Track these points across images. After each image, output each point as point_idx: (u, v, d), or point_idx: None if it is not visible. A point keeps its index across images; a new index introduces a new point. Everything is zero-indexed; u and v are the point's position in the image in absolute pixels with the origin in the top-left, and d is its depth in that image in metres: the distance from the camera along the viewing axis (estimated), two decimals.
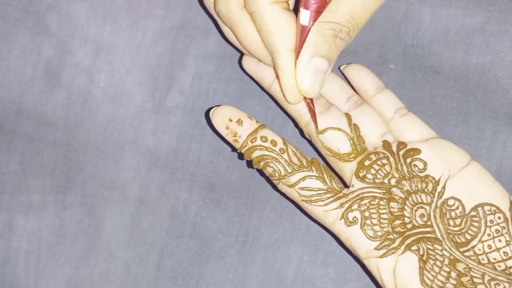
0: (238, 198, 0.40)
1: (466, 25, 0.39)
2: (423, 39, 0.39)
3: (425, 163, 0.35)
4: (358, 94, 0.38)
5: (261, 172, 0.36)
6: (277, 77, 0.34)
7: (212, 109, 0.36)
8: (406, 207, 0.34)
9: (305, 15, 0.32)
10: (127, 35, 0.40)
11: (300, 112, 0.36)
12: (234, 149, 0.36)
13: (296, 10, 0.33)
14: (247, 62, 0.38)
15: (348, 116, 0.36)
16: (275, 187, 0.36)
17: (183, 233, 0.40)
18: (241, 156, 0.36)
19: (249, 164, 0.36)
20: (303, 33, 0.32)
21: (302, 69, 0.32)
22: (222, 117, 0.36)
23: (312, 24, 0.32)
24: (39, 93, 0.40)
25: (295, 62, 0.32)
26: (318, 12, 0.32)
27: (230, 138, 0.36)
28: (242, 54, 0.38)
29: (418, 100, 0.39)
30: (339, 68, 0.38)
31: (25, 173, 0.40)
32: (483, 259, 0.34)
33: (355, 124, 0.36)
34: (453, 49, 0.39)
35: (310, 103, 0.35)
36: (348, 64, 0.38)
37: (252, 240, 0.39)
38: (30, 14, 0.40)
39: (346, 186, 0.36)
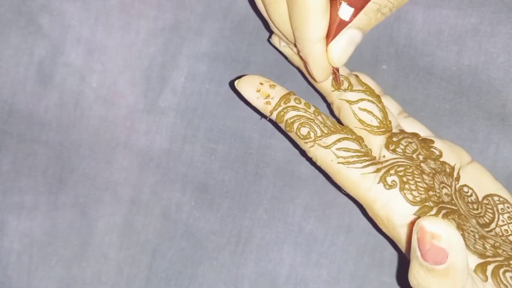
0: (231, 198, 0.40)
1: (459, 26, 0.39)
2: (415, 40, 0.39)
3: (440, 151, 0.36)
4: None
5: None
6: (303, 60, 0.34)
7: (239, 79, 0.36)
8: (434, 183, 0.34)
9: (347, 11, 0.31)
10: (120, 35, 0.40)
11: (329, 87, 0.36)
12: (262, 115, 0.35)
13: None
14: (277, 41, 0.37)
15: (377, 95, 0.36)
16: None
17: (176, 234, 0.40)
18: (271, 121, 0.35)
19: (280, 130, 0.35)
20: (339, 26, 0.31)
21: (336, 39, 0.32)
22: (251, 83, 0.35)
23: (352, 20, 0.31)
24: (32, 93, 0.40)
25: (326, 49, 0.32)
26: (358, 10, 0.31)
27: (260, 102, 0.35)
28: (245, 42, 0.38)
29: (411, 101, 0.39)
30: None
31: (17, 173, 0.40)
32: (505, 240, 0.34)
33: (382, 103, 0.35)
34: (445, 50, 0.39)
35: (336, 72, 0.35)
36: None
37: (244, 241, 0.39)
38: (22, 15, 0.40)
39: None
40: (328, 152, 0.34)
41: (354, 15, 0.31)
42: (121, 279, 0.40)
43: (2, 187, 0.40)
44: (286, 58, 0.38)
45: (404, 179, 0.33)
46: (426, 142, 0.36)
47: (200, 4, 0.40)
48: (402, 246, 0.33)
